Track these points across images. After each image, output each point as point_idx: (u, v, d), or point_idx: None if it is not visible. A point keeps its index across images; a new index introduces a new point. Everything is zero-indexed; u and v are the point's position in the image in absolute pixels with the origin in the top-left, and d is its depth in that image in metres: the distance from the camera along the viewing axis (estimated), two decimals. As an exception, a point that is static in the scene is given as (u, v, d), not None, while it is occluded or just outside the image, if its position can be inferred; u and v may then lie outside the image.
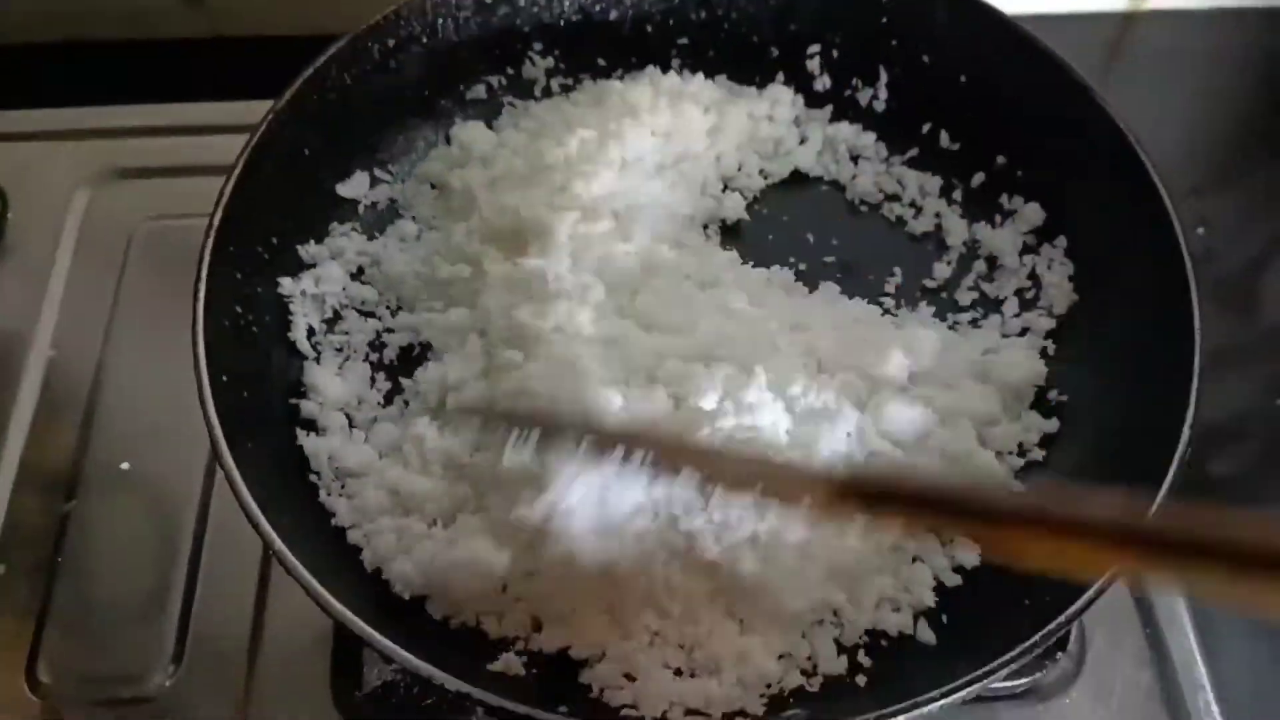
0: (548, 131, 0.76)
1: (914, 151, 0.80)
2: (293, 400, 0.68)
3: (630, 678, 0.57)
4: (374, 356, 0.71)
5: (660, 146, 0.76)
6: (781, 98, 0.80)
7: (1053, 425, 0.67)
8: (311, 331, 0.70)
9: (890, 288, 0.74)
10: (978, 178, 0.78)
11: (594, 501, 0.58)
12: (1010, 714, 0.68)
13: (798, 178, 0.80)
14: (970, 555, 0.63)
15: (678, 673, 0.59)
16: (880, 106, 0.81)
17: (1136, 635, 0.71)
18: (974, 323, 0.73)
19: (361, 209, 0.76)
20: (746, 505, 0.58)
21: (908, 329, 0.69)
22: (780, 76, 0.81)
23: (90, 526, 0.74)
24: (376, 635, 0.53)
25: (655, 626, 0.60)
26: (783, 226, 0.77)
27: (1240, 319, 0.95)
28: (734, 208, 0.77)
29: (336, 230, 0.74)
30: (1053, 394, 0.69)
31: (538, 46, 0.80)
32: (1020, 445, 0.67)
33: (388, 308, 0.73)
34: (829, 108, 0.81)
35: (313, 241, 0.73)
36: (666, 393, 0.62)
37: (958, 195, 0.78)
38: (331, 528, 0.63)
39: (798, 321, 0.68)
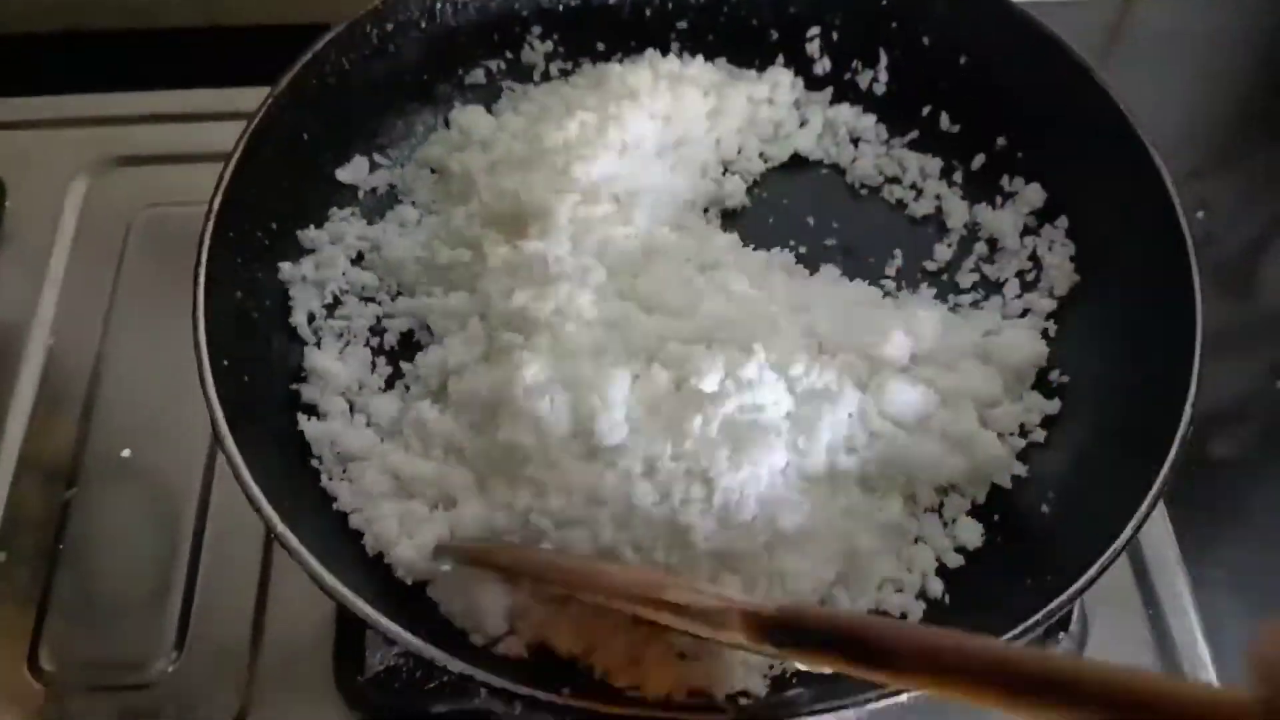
0: (547, 115, 0.75)
1: (914, 134, 0.79)
2: (293, 385, 0.67)
3: (633, 660, 0.57)
4: (374, 341, 0.71)
5: (660, 130, 0.75)
6: (781, 81, 0.80)
7: (1054, 406, 0.67)
8: (312, 316, 0.70)
9: (891, 270, 0.74)
10: (978, 159, 0.78)
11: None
12: (1013, 694, 0.68)
13: (798, 161, 0.80)
14: (972, 536, 0.63)
15: (681, 654, 0.58)
16: (880, 89, 0.81)
17: (1138, 616, 0.71)
18: (975, 304, 0.73)
19: (361, 194, 0.76)
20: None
21: (909, 310, 0.69)
22: (780, 59, 0.81)
23: (91, 514, 0.74)
24: (379, 617, 0.53)
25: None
26: (783, 210, 0.77)
27: (1240, 302, 0.95)
28: (734, 191, 0.77)
29: (336, 215, 0.74)
30: (1054, 375, 0.69)
31: (536, 30, 0.80)
32: (1022, 426, 0.67)
33: (387, 292, 0.73)
34: (829, 90, 0.81)
35: (312, 227, 0.73)
36: (668, 375, 0.61)
37: (958, 177, 0.78)
38: (333, 512, 0.63)
39: (798, 303, 0.67)
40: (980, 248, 0.75)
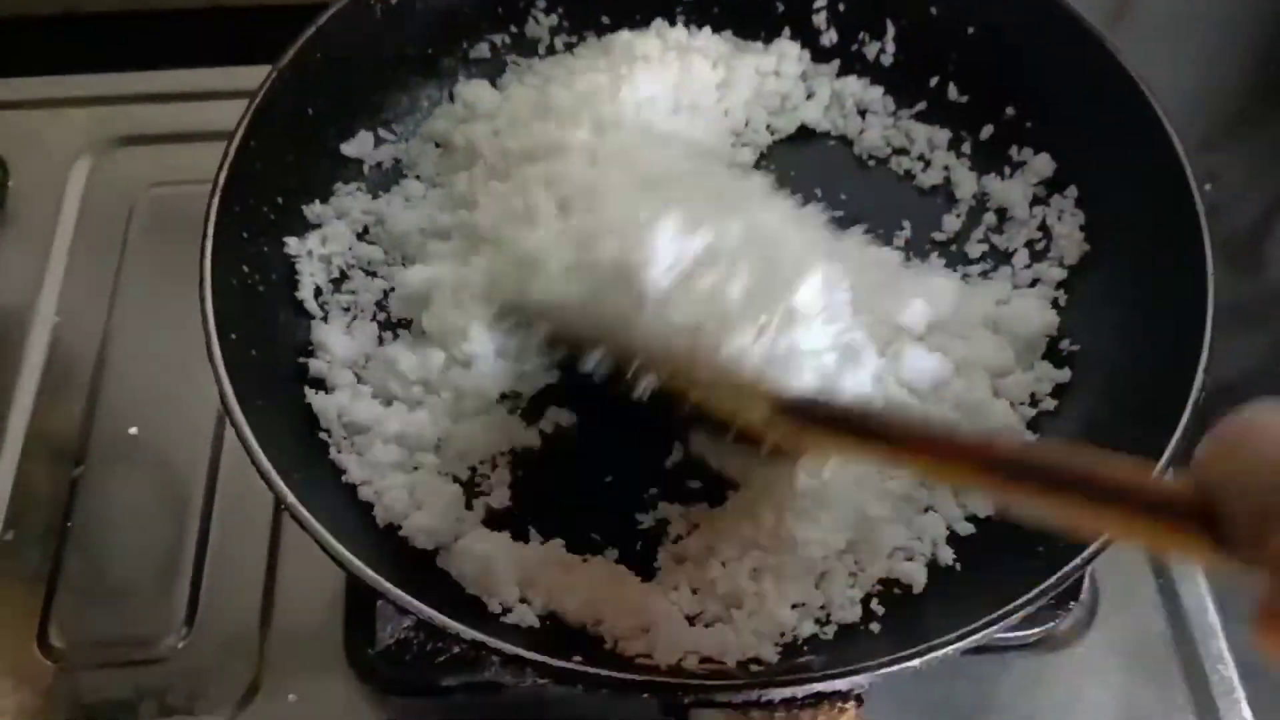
0: (554, 81, 0.75)
1: (922, 105, 0.79)
2: (301, 359, 0.67)
3: (644, 628, 0.57)
4: (381, 315, 0.70)
5: (671, 95, 0.75)
6: (788, 53, 0.79)
7: (1065, 375, 0.67)
8: (318, 291, 0.70)
9: (900, 241, 0.74)
10: (986, 130, 0.77)
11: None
12: (1023, 663, 0.68)
13: (805, 133, 0.79)
14: (983, 504, 0.63)
15: (692, 622, 0.59)
16: (887, 60, 0.80)
17: (1149, 584, 0.71)
18: (984, 274, 0.72)
19: (366, 168, 0.75)
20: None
21: (927, 278, 0.69)
22: (786, 31, 0.80)
23: (99, 491, 0.74)
24: (391, 587, 0.53)
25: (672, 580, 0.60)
26: (790, 182, 0.76)
27: (1247, 276, 0.95)
28: (743, 163, 0.76)
29: (342, 190, 0.74)
30: (1064, 344, 0.68)
31: (541, 4, 0.80)
32: (1032, 395, 0.67)
33: (392, 266, 0.72)
34: (836, 62, 0.80)
35: (318, 201, 0.72)
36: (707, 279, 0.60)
37: (966, 148, 0.77)
38: (342, 484, 0.63)
39: (831, 253, 0.66)
40: (989, 218, 0.75)
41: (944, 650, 0.51)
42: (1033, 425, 0.66)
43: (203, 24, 1.00)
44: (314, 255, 0.70)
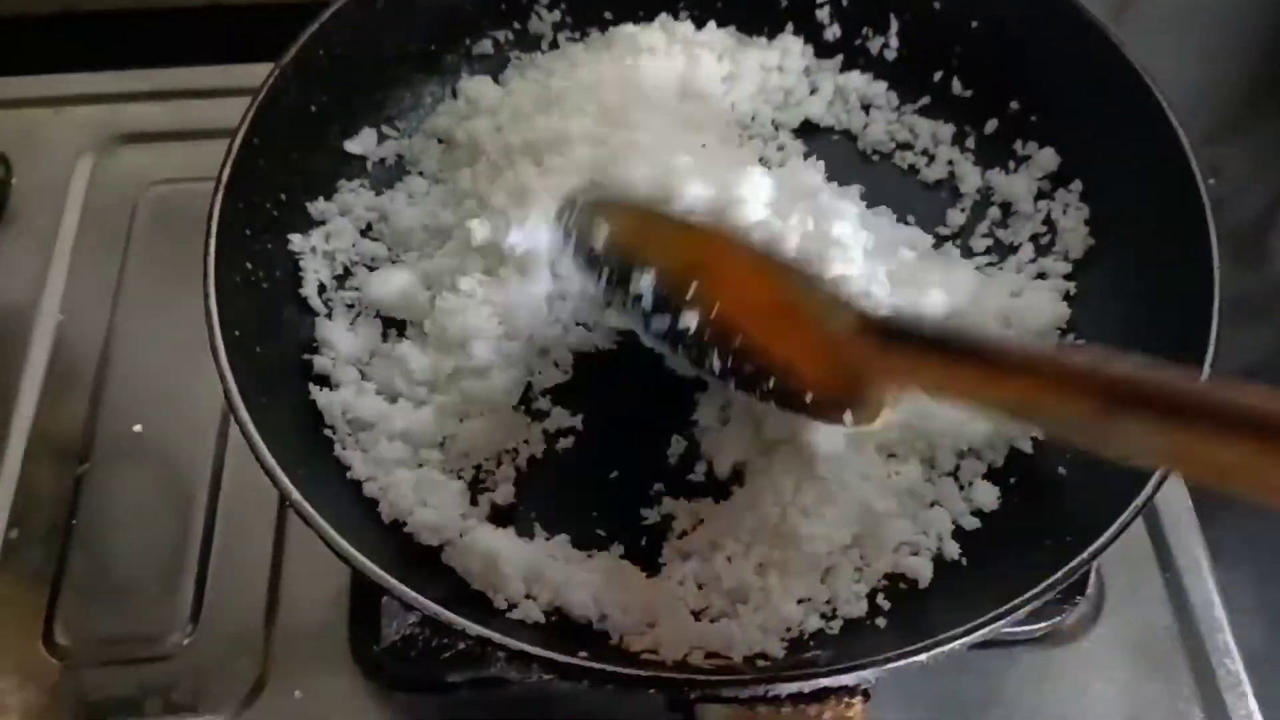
0: (557, 75, 0.75)
1: (926, 99, 0.79)
2: (305, 356, 0.67)
3: (650, 624, 0.57)
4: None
5: (678, 86, 0.74)
6: (791, 48, 0.79)
7: (1071, 369, 0.67)
8: (322, 288, 0.70)
9: (904, 236, 0.74)
10: (991, 124, 0.77)
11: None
12: (1029, 658, 0.68)
13: (808, 128, 0.79)
14: (989, 499, 0.63)
15: (697, 617, 0.58)
16: (891, 55, 0.80)
17: (1155, 579, 0.71)
18: (990, 267, 0.72)
19: (370, 165, 0.75)
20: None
21: (948, 266, 0.69)
22: (790, 26, 0.80)
23: (104, 489, 0.74)
24: (396, 583, 0.53)
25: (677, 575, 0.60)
26: (794, 177, 0.77)
27: (1251, 270, 0.94)
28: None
29: (345, 187, 0.74)
30: (1070, 338, 0.68)
31: (544, 0, 0.79)
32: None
33: (393, 263, 0.72)
34: (839, 57, 0.80)
35: (321, 198, 0.72)
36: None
37: (970, 142, 0.77)
38: (347, 481, 0.63)
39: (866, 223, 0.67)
40: (994, 212, 0.74)
41: (950, 645, 0.51)
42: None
43: (203, 22, 1.00)
44: (318, 252, 0.70)
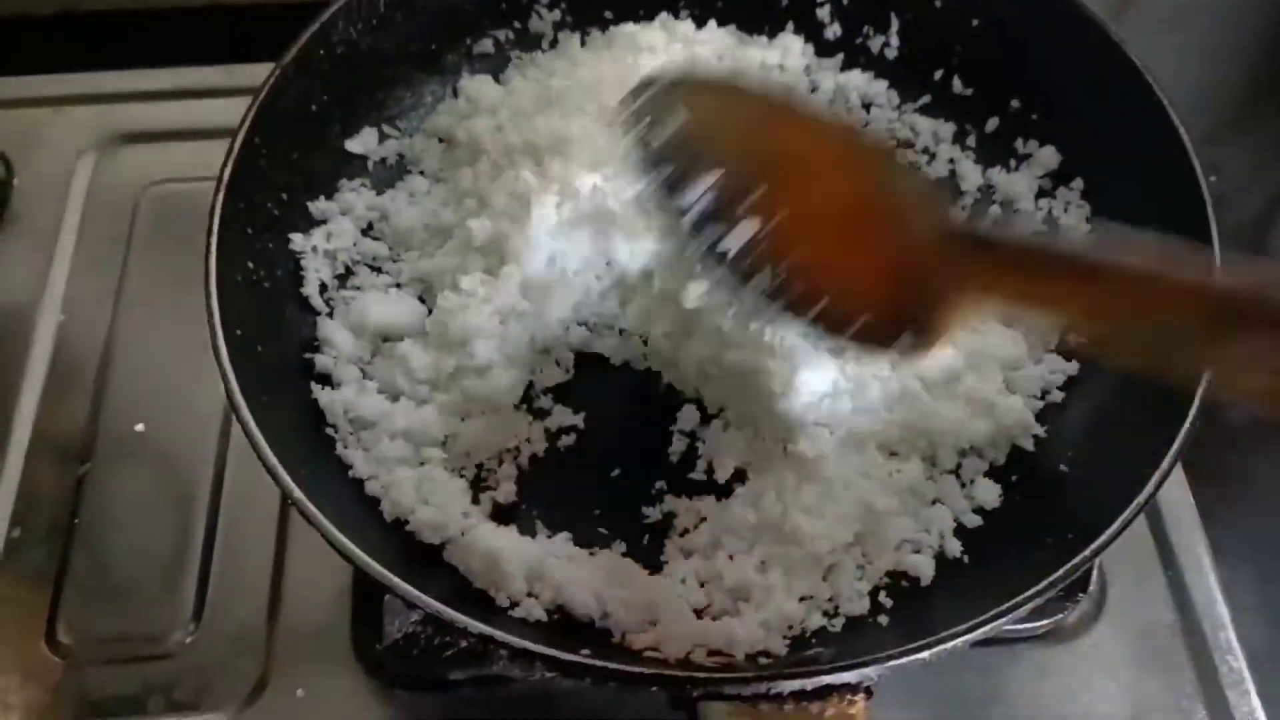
0: (557, 74, 0.75)
1: (926, 98, 0.79)
2: (307, 355, 0.67)
3: (652, 621, 0.57)
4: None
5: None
6: (792, 47, 0.79)
7: (1074, 368, 0.67)
8: (324, 287, 0.70)
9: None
10: (991, 123, 0.77)
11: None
12: (1032, 655, 0.68)
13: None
14: (990, 496, 0.63)
15: (700, 614, 0.59)
16: (891, 54, 0.80)
17: (1157, 576, 0.71)
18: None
19: (370, 164, 0.75)
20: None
21: None
22: (790, 25, 0.80)
23: (106, 489, 0.74)
24: (399, 581, 0.53)
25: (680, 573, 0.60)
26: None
27: (1256, 269, 0.94)
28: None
29: (346, 186, 0.74)
30: (1072, 335, 0.68)
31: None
32: (1042, 388, 0.66)
33: (394, 262, 0.72)
34: (840, 56, 0.80)
35: (323, 198, 0.72)
36: None
37: (971, 141, 0.77)
38: (349, 479, 0.63)
39: None
40: (995, 211, 0.74)
41: (953, 643, 0.51)
42: (1040, 417, 0.65)
43: (203, 21, 1.00)
44: (319, 251, 0.70)
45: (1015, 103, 0.76)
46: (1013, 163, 0.76)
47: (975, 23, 0.77)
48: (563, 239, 0.66)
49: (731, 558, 0.60)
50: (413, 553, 0.60)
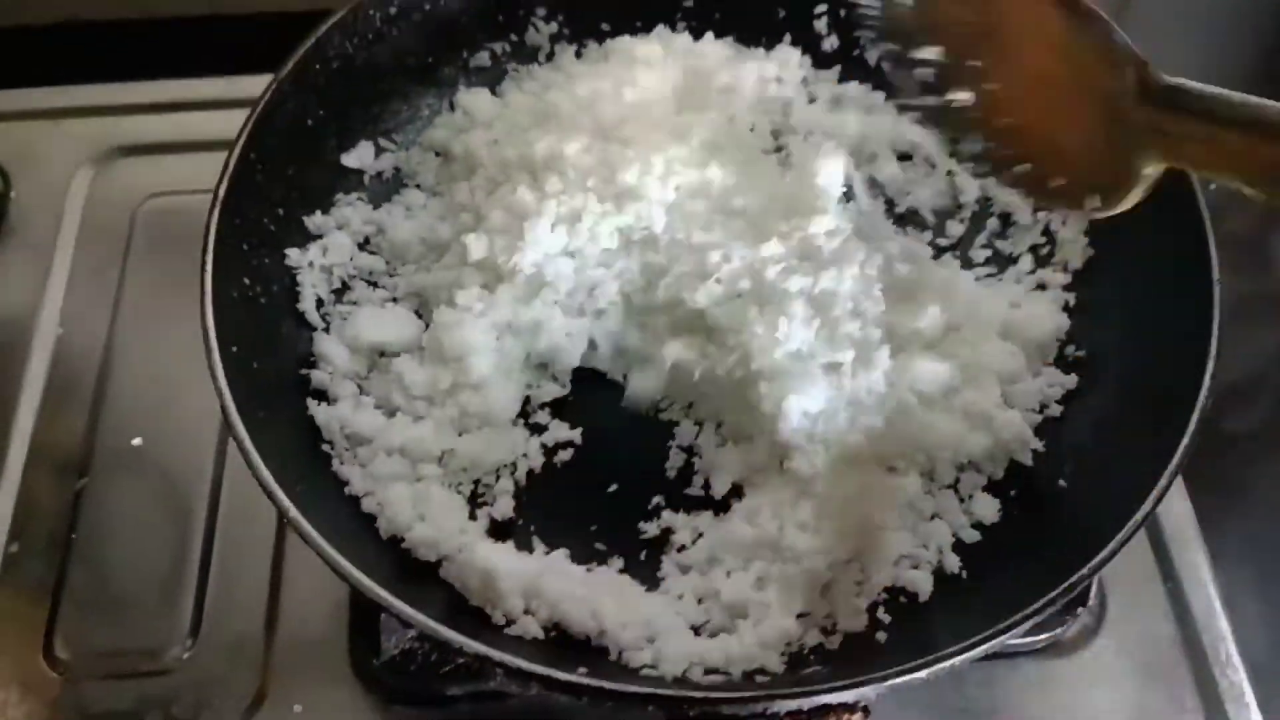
0: (554, 87, 0.75)
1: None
2: (303, 370, 0.67)
3: (650, 638, 0.57)
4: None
5: (674, 98, 0.74)
6: (790, 58, 0.79)
7: (1071, 381, 0.67)
8: (320, 302, 0.70)
9: (903, 247, 0.73)
10: (990, 134, 0.77)
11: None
12: (1031, 669, 0.68)
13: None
14: (989, 511, 0.63)
15: (697, 632, 0.58)
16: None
17: (1157, 589, 0.71)
18: (989, 279, 0.72)
19: (367, 178, 0.75)
20: None
21: (947, 277, 0.69)
22: (788, 37, 0.80)
23: (103, 503, 0.74)
24: (394, 600, 0.53)
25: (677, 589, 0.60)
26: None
27: (1251, 276, 0.94)
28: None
29: (342, 201, 0.73)
30: (1070, 349, 0.68)
31: (541, 12, 0.79)
32: (1041, 402, 0.66)
33: (390, 276, 0.72)
34: (838, 68, 0.80)
35: (319, 212, 0.72)
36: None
37: (969, 152, 0.77)
38: (345, 496, 0.63)
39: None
40: (993, 223, 0.74)
41: (950, 662, 0.51)
42: (1039, 431, 0.65)
43: (203, 31, 1.00)
44: (315, 266, 0.70)
45: (1014, 114, 0.76)
46: (1011, 174, 0.76)
47: (973, 34, 0.76)
48: (558, 256, 0.66)
49: (729, 574, 0.60)
50: (409, 569, 0.60)
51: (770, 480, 0.63)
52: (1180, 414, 0.58)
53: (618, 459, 0.66)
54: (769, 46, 0.80)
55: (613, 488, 0.65)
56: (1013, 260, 0.73)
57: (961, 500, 0.64)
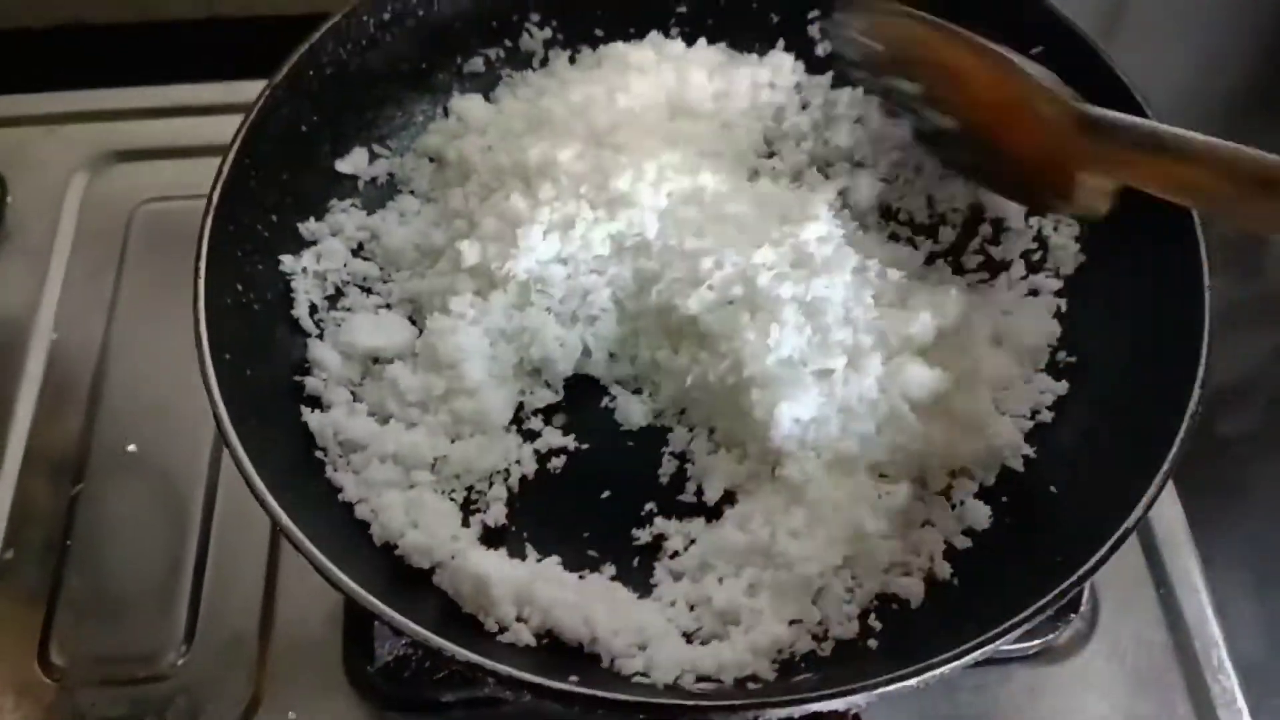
0: (548, 93, 0.75)
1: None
2: (297, 377, 0.67)
3: (641, 645, 0.57)
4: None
5: (666, 106, 0.75)
6: (783, 64, 0.79)
7: (1062, 387, 0.67)
8: (314, 308, 0.70)
9: (895, 253, 0.74)
10: (982, 140, 0.77)
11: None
12: (1023, 675, 0.68)
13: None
14: (981, 518, 0.63)
15: (689, 639, 0.59)
16: (882, 70, 0.80)
17: (1149, 595, 0.71)
18: (981, 285, 0.72)
19: (361, 185, 0.75)
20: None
21: (939, 284, 0.69)
22: (781, 43, 0.80)
23: (99, 509, 0.74)
24: (385, 609, 0.53)
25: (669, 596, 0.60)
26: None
27: (1244, 281, 0.94)
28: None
29: (336, 207, 0.74)
30: (1061, 355, 0.68)
31: (535, 18, 0.79)
32: (1031, 408, 0.66)
33: (384, 283, 0.72)
34: (830, 73, 0.80)
35: (313, 218, 0.72)
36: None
37: (962, 158, 0.77)
38: (339, 503, 0.63)
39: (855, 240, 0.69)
40: (985, 229, 0.74)
41: (941, 669, 0.51)
42: (1030, 437, 0.65)
43: (201, 34, 1.00)
44: (309, 272, 0.70)
45: (1006, 120, 0.76)
46: (1003, 180, 0.76)
47: (965, 40, 0.76)
48: (551, 262, 0.66)
49: (721, 581, 0.60)
50: (402, 576, 0.60)
51: (762, 487, 0.63)
52: (1171, 420, 0.58)
53: (610, 465, 0.66)
54: (762, 52, 0.80)
55: (605, 494, 0.65)
56: (1004, 266, 0.73)
57: (953, 507, 0.64)
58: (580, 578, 0.61)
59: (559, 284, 0.66)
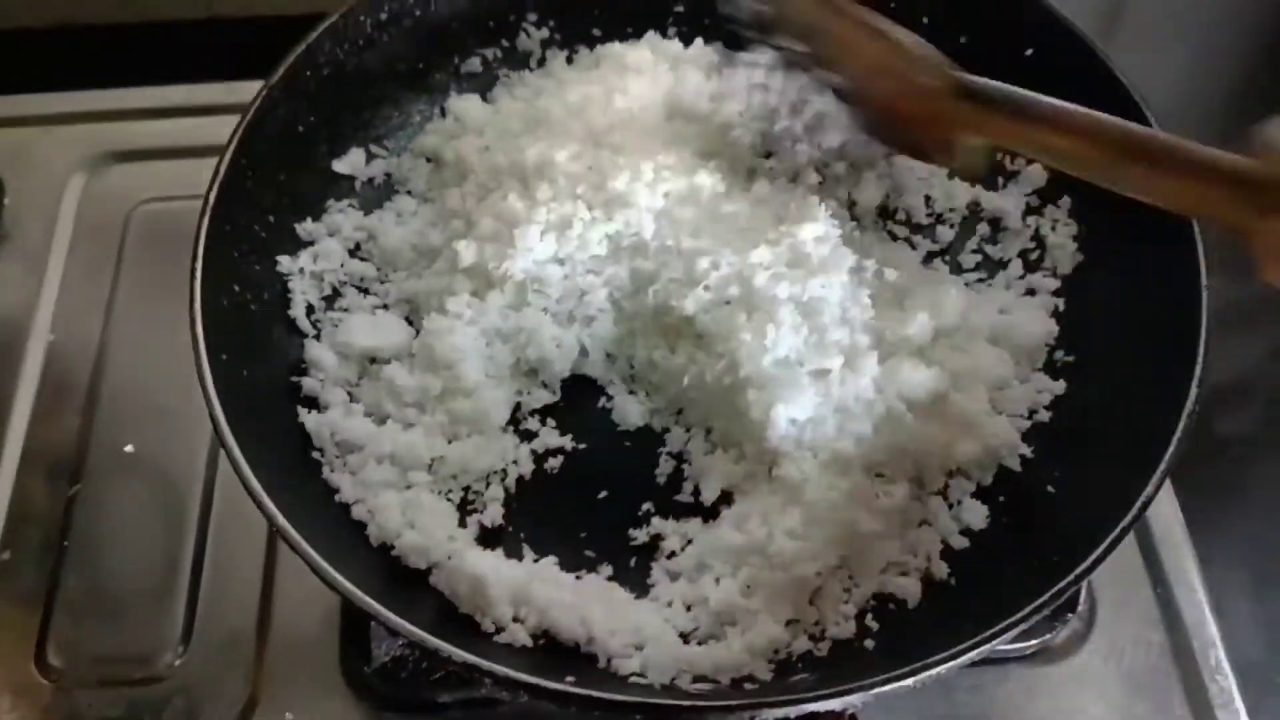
0: (545, 93, 0.75)
1: (914, 115, 0.79)
2: (293, 378, 0.67)
3: (638, 646, 0.57)
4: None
5: (663, 106, 0.75)
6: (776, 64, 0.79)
7: (1060, 387, 0.67)
8: (311, 309, 0.70)
9: (893, 252, 0.73)
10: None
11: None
12: (1021, 674, 0.68)
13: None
14: (978, 518, 0.63)
15: (686, 639, 0.58)
16: (879, 70, 0.80)
17: (1146, 595, 0.71)
18: (979, 284, 0.72)
19: (358, 185, 0.75)
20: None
21: (937, 283, 0.69)
22: (779, 43, 0.80)
23: (96, 509, 0.74)
24: (382, 609, 0.53)
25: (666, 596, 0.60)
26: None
27: (1241, 280, 0.94)
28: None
29: (333, 207, 0.74)
30: (1059, 355, 0.68)
31: (532, 17, 0.79)
32: (1029, 407, 0.66)
33: (381, 283, 0.72)
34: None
35: (310, 219, 0.72)
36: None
37: (959, 158, 0.77)
38: (336, 504, 0.63)
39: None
40: (983, 228, 0.74)
41: (937, 669, 0.51)
42: (1027, 437, 0.65)
43: (200, 34, 1.00)
44: (306, 273, 0.70)
45: (1003, 119, 0.76)
46: (1000, 180, 0.76)
47: (962, 39, 0.76)
48: (548, 262, 0.66)
49: (718, 581, 0.60)
50: (399, 577, 0.60)
51: (759, 487, 0.63)
52: (1169, 420, 0.58)
53: (607, 466, 0.66)
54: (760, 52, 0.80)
55: (602, 494, 0.65)
56: (1002, 265, 0.73)
57: (950, 506, 0.64)
58: (577, 578, 0.61)
59: (556, 284, 0.66)
